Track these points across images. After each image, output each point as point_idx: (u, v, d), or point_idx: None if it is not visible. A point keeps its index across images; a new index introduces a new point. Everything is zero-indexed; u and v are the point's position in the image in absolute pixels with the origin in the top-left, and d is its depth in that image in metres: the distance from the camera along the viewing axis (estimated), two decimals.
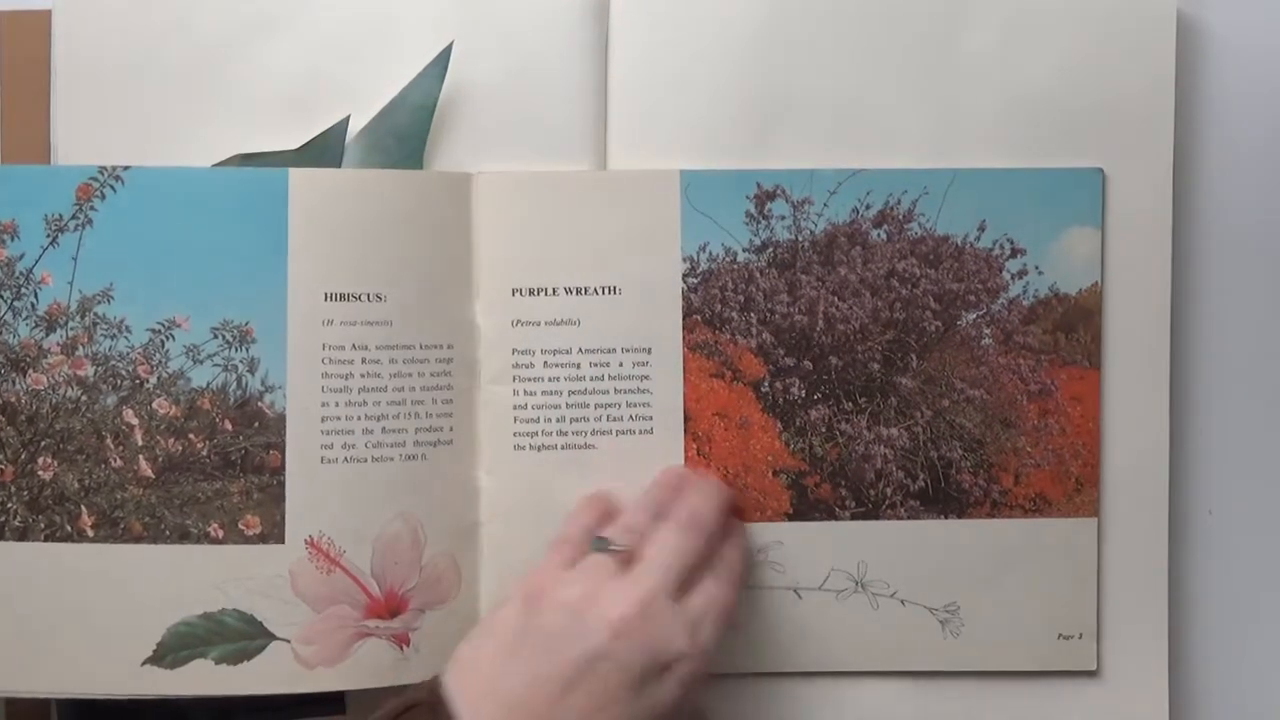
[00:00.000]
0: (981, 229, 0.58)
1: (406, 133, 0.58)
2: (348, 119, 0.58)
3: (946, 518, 0.58)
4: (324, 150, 0.57)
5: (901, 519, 0.58)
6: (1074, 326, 0.58)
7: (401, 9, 0.59)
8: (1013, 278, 0.58)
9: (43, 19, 0.58)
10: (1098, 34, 0.59)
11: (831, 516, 0.58)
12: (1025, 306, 0.58)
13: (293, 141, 0.58)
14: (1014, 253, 0.58)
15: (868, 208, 0.57)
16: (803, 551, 0.58)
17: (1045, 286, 0.58)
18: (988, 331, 0.58)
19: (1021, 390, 0.58)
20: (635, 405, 0.57)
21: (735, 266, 0.57)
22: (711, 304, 0.57)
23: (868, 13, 0.59)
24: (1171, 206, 0.59)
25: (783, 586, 0.58)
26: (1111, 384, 0.58)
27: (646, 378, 0.57)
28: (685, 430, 0.57)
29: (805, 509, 0.58)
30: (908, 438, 0.58)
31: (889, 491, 0.58)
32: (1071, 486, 0.58)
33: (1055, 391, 0.58)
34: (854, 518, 0.58)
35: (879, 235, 0.58)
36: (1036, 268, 0.58)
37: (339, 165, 0.57)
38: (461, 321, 0.57)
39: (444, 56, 0.58)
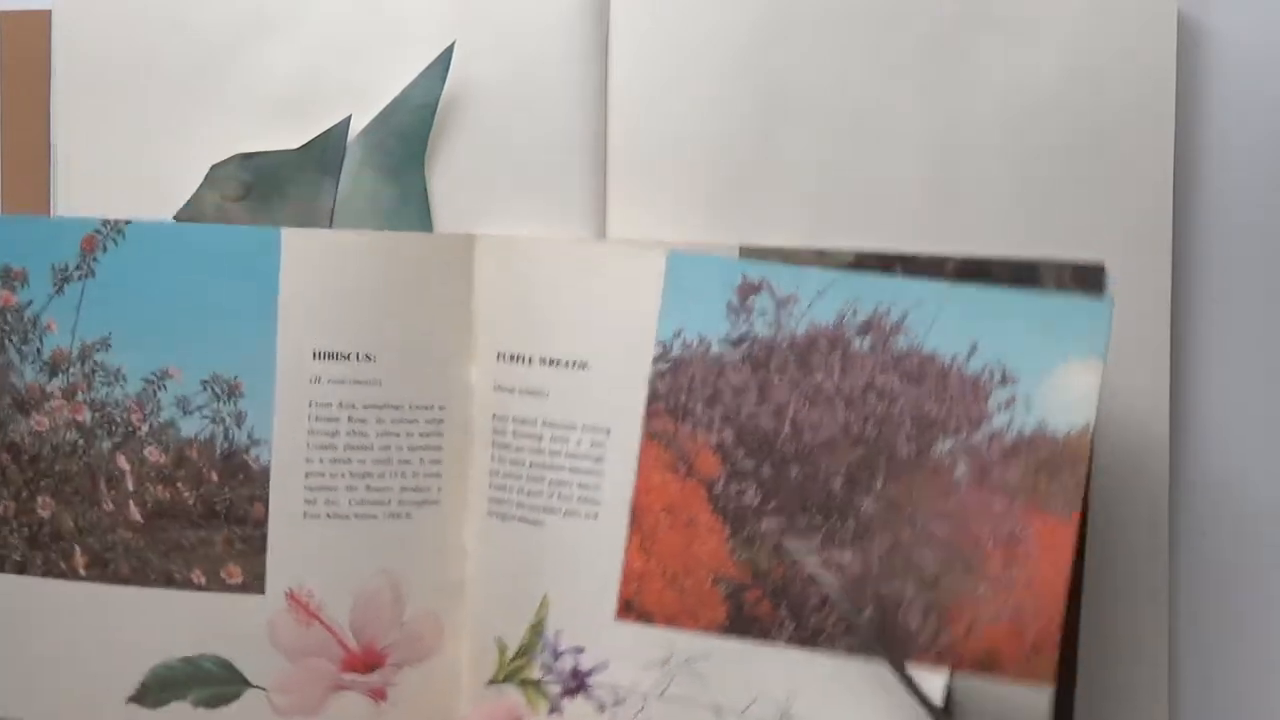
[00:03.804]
0: (972, 350, 0.53)
1: (408, 132, 0.58)
2: (349, 119, 0.59)
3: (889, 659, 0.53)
4: (325, 150, 0.58)
5: (838, 652, 0.53)
6: (1057, 471, 0.52)
7: (403, 9, 0.59)
8: (998, 408, 0.52)
9: (43, 19, 0.59)
10: (1097, 35, 0.57)
11: (766, 636, 0.54)
12: (1007, 442, 0.52)
13: (293, 141, 0.58)
14: (1004, 380, 0.52)
15: (854, 313, 0.54)
16: (730, 670, 0.54)
17: (1032, 422, 0.52)
18: (963, 464, 0.53)
19: (989, 534, 0.52)
20: (586, 487, 0.55)
21: (708, 358, 0.55)
22: (677, 393, 0.55)
23: (869, 14, 0.58)
24: (1172, 208, 0.57)
25: (702, 704, 0.54)
26: (1112, 378, 0.56)
27: (601, 459, 0.55)
28: (630, 522, 0.55)
29: (741, 625, 0.54)
30: (860, 565, 0.53)
31: (830, 621, 0.53)
32: (1028, 648, 0.52)
33: (1026, 541, 0.52)
34: (789, 641, 0.54)
35: (862, 344, 0.54)
36: (1025, 400, 0.52)
37: (340, 165, 0.58)
38: (456, 382, 0.57)
39: (446, 56, 0.58)
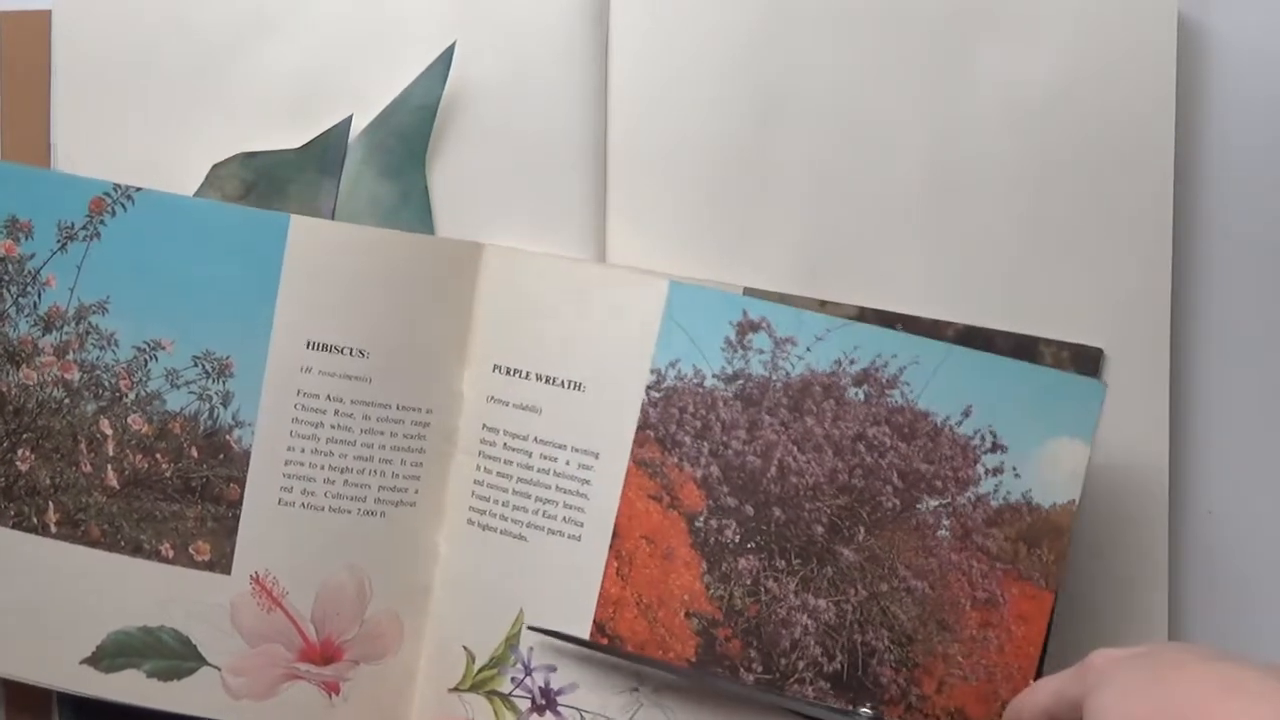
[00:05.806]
0: (966, 414, 0.53)
1: (409, 132, 0.58)
2: (349, 119, 0.58)
3: (856, 707, 0.53)
4: (326, 150, 0.58)
5: (808, 698, 0.54)
6: (1038, 541, 0.53)
7: (403, 9, 0.59)
8: (987, 473, 0.53)
9: (43, 19, 0.59)
10: (1097, 35, 0.57)
11: (734, 675, 0.54)
12: (992, 507, 0.53)
13: (294, 141, 0.58)
14: (994, 448, 0.53)
15: (852, 363, 0.54)
16: (696, 703, 0.54)
17: (1019, 491, 0.53)
18: (946, 523, 0.53)
19: (967, 594, 0.53)
20: (571, 508, 0.55)
21: (701, 390, 0.55)
22: (667, 423, 0.55)
23: (869, 15, 0.58)
24: (1172, 210, 0.57)
25: None
26: (1114, 378, 0.56)
27: (588, 482, 0.55)
28: (611, 546, 0.55)
29: (709, 660, 0.54)
30: (835, 614, 0.54)
31: (801, 665, 0.54)
32: (996, 710, 0.53)
33: (1003, 605, 0.53)
34: (757, 682, 0.54)
35: (857, 394, 0.54)
36: (1014, 469, 0.53)
37: (341, 165, 0.58)
38: (447, 389, 0.57)
39: (446, 56, 0.58)
